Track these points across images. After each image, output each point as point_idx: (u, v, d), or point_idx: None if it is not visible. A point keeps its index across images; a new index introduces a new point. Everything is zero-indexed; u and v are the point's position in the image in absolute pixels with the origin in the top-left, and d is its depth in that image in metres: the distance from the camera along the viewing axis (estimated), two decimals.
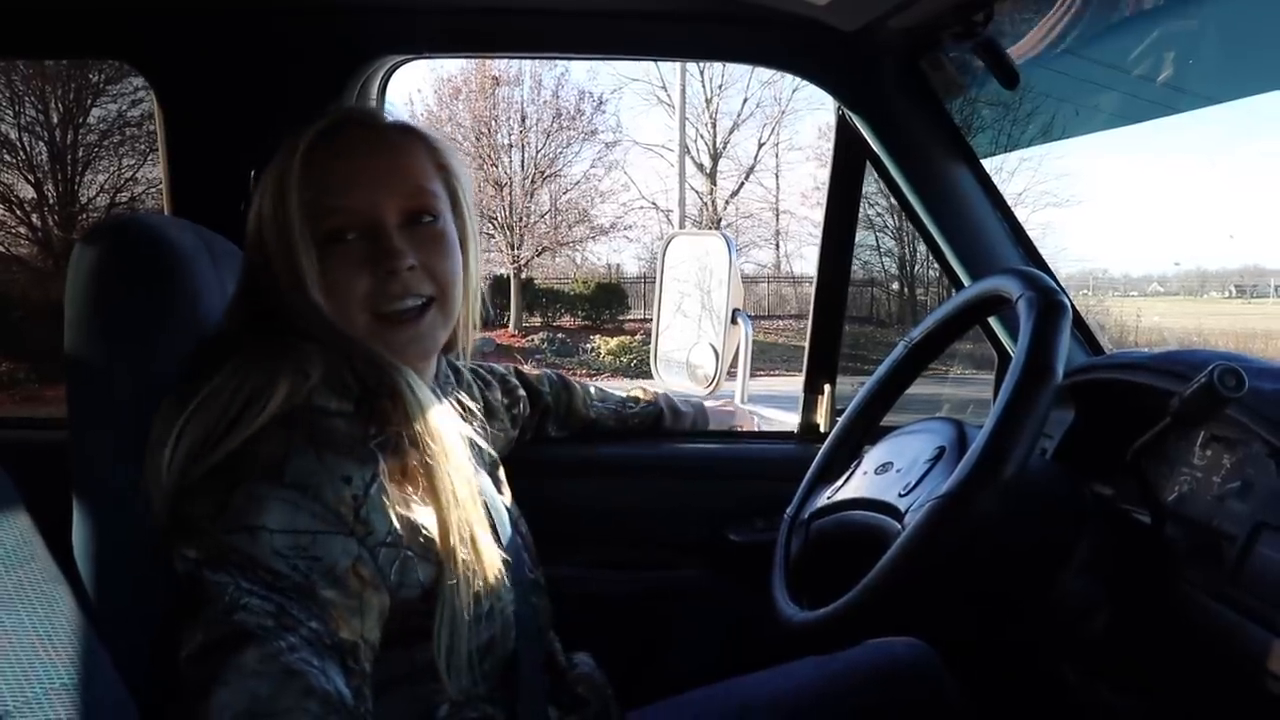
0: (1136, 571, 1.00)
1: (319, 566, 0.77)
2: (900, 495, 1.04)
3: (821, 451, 1.31)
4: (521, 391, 1.41)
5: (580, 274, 19.25)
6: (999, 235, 1.54)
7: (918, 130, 1.53)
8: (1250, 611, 0.87)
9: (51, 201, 10.81)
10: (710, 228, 18.44)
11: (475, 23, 1.49)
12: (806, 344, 1.71)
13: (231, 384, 0.83)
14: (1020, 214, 1.60)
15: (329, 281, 0.90)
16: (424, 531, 0.87)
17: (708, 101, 20.41)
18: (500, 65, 16.94)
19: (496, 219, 16.51)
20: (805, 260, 20.61)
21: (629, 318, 17.73)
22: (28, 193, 10.72)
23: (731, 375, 1.77)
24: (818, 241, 1.69)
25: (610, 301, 17.71)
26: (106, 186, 10.87)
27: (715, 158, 20.49)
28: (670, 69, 19.44)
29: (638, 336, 15.67)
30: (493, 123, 17.25)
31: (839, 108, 1.56)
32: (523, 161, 17.37)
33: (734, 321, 1.73)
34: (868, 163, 1.59)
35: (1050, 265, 1.54)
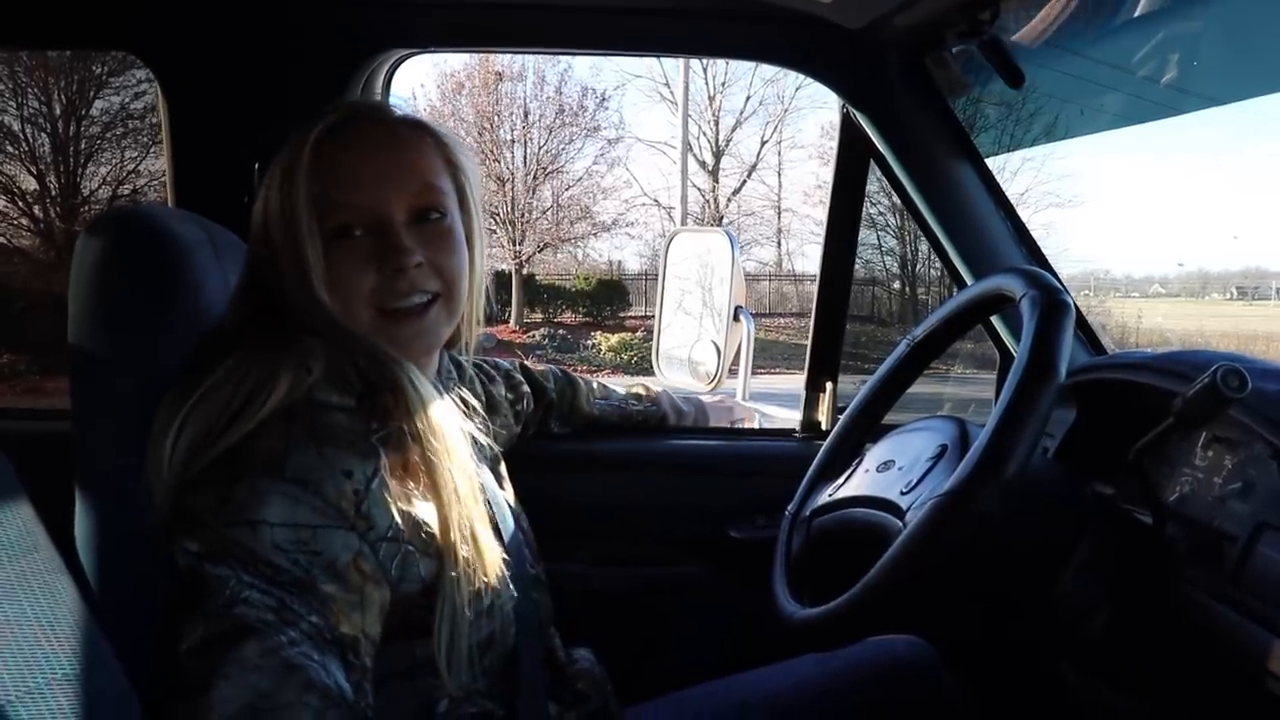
0: (1137, 571, 1.00)
1: (319, 561, 0.77)
2: (902, 493, 1.04)
3: (823, 449, 1.31)
4: (526, 387, 1.41)
5: (582, 270, 19.25)
6: (1002, 234, 1.54)
7: (922, 128, 1.52)
8: (1251, 612, 0.87)
9: (54, 193, 10.82)
10: (712, 225, 18.43)
11: (479, 17, 1.49)
12: (809, 341, 1.71)
13: (234, 378, 0.83)
14: (1023, 214, 1.60)
15: (334, 276, 0.89)
16: (425, 527, 0.87)
17: (711, 98, 20.43)
18: (504, 61, 16.94)
19: (499, 214, 16.49)
20: (807, 258, 20.66)
21: (630, 314, 17.75)
22: (30, 184, 10.73)
23: (733, 372, 1.76)
24: (819, 239, 1.69)
25: (612, 298, 17.72)
26: (109, 179, 10.88)
27: (718, 155, 20.50)
28: (673, 65, 19.45)
29: (639, 333, 15.67)
30: (495, 118, 17.26)
31: (843, 105, 1.56)
32: (525, 157, 17.38)
33: (736, 319, 1.72)
34: (871, 161, 1.59)
35: (1053, 265, 1.54)
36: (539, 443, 1.48)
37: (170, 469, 0.81)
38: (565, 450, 1.53)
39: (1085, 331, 1.52)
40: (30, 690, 0.60)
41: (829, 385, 1.68)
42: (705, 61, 18.71)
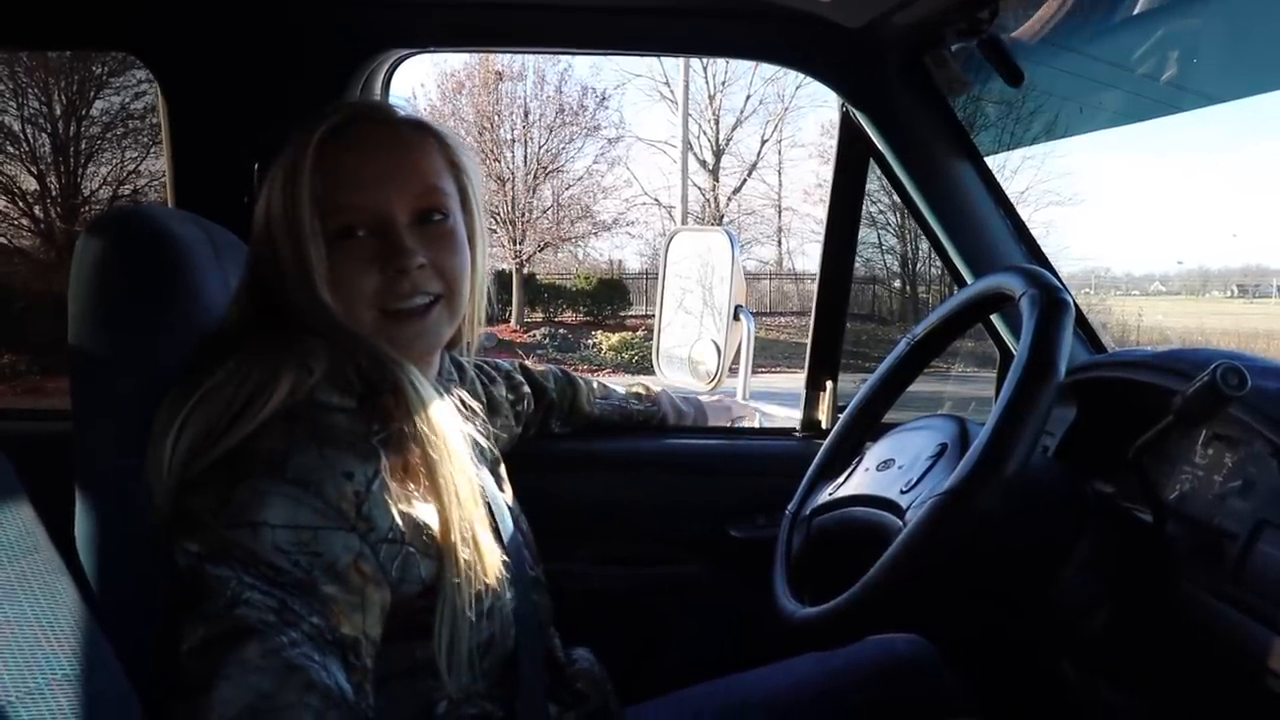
0: (1137, 570, 1.00)
1: (320, 562, 0.77)
2: (902, 492, 1.04)
3: (823, 448, 1.30)
4: (526, 388, 1.41)
5: (582, 269, 19.26)
6: (1002, 233, 1.54)
7: (921, 127, 1.52)
8: (1251, 610, 0.87)
9: (54, 194, 10.82)
10: (713, 224, 18.43)
11: (478, 17, 1.49)
12: (809, 340, 1.71)
13: (235, 379, 0.83)
14: (1023, 212, 1.60)
15: (337, 277, 0.89)
16: (426, 529, 0.86)
17: (711, 97, 20.45)
18: (504, 60, 16.95)
19: (499, 214, 16.50)
20: (807, 257, 20.68)
21: (631, 314, 17.75)
22: (31, 185, 10.74)
23: (733, 372, 1.76)
24: (819, 238, 1.69)
25: (612, 297, 17.72)
26: (109, 179, 10.88)
27: (718, 154, 20.51)
28: (673, 65, 19.47)
29: (639, 332, 15.68)
30: (496, 118, 17.27)
31: (843, 104, 1.56)
32: (525, 157, 17.39)
33: (736, 318, 1.72)
34: (871, 159, 1.59)
35: (1052, 263, 1.54)
36: (539, 442, 1.48)
37: (171, 470, 0.80)
38: (565, 450, 1.53)
39: (1085, 330, 1.52)
40: (30, 691, 0.60)
41: (829, 384, 1.68)
42: (705, 60, 18.73)
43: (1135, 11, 1.46)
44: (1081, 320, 1.47)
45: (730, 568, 1.55)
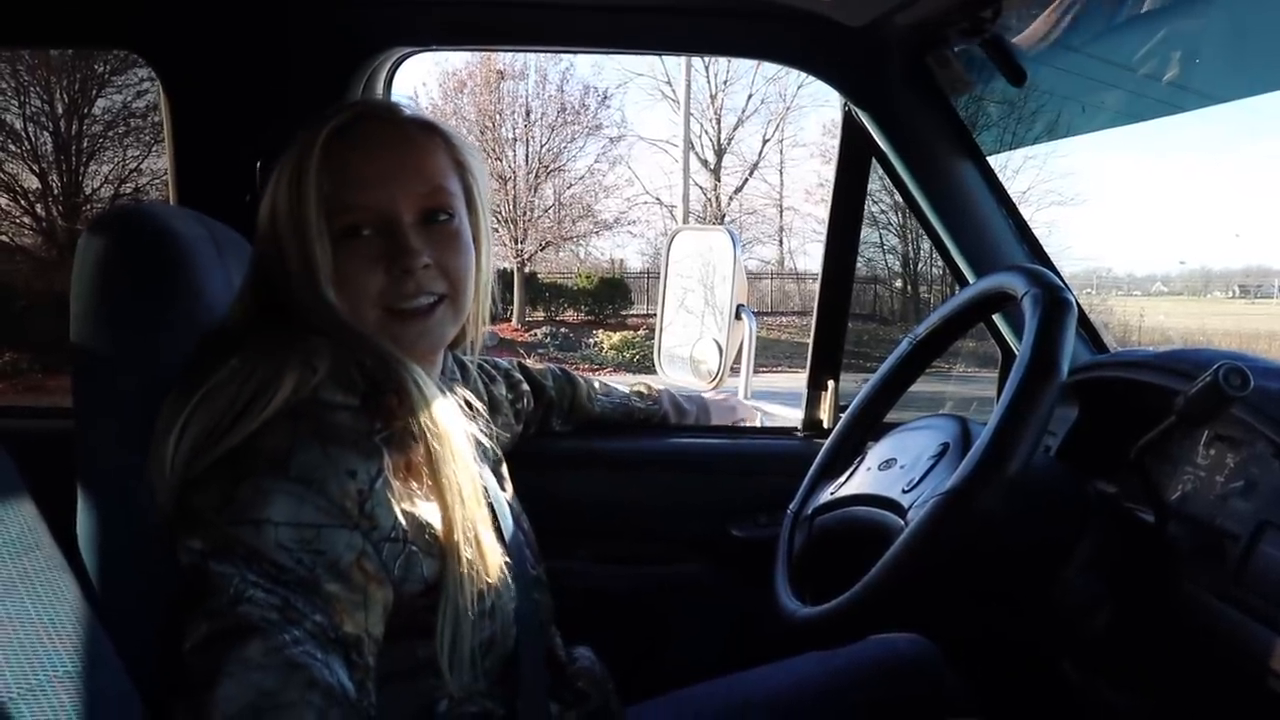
0: (1139, 570, 1.00)
1: (323, 560, 0.77)
2: (904, 491, 1.04)
3: (825, 447, 1.30)
4: (525, 386, 1.41)
5: (584, 269, 19.25)
6: (1004, 232, 1.54)
7: (923, 126, 1.52)
8: (1253, 611, 0.87)
9: (56, 192, 10.83)
10: (714, 223, 18.43)
11: (480, 16, 1.49)
12: (810, 340, 1.71)
13: (238, 376, 0.83)
14: (1025, 212, 1.60)
15: (342, 276, 0.89)
16: (428, 527, 0.86)
17: (713, 97, 20.42)
18: (505, 59, 16.97)
19: (501, 213, 16.49)
20: (809, 256, 20.67)
21: (632, 313, 17.75)
22: (33, 183, 10.74)
23: (735, 371, 1.76)
24: (821, 238, 1.69)
25: (613, 296, 17.72)
26: (111, 177, 10.89)
27: (720, 153, 20.49)
28: (675, 64, 19.41)
29: (641, 331, 15.68)
30: (497, 117, 17.28)
31: (845, 103, 1.56)
32: (527, 155, 17.40)
33: (738, 317, 1.72)
34: (873, 159, 1.59)
35: (1055, 263, 1.54)
36: (540, 441, 1.48)
37: (174, 467, 0.80)
38: (566, 448, 1.53)
39: (1087, 330, 1.52)
40: (32, 688, 0.60)
41: (831, 384, 1.68)
42: (707, 60, 18.75)
43: (1137, 11, 1.46)
44: (1084, 320, 1.47)
45: (732, 567, 1.55)
